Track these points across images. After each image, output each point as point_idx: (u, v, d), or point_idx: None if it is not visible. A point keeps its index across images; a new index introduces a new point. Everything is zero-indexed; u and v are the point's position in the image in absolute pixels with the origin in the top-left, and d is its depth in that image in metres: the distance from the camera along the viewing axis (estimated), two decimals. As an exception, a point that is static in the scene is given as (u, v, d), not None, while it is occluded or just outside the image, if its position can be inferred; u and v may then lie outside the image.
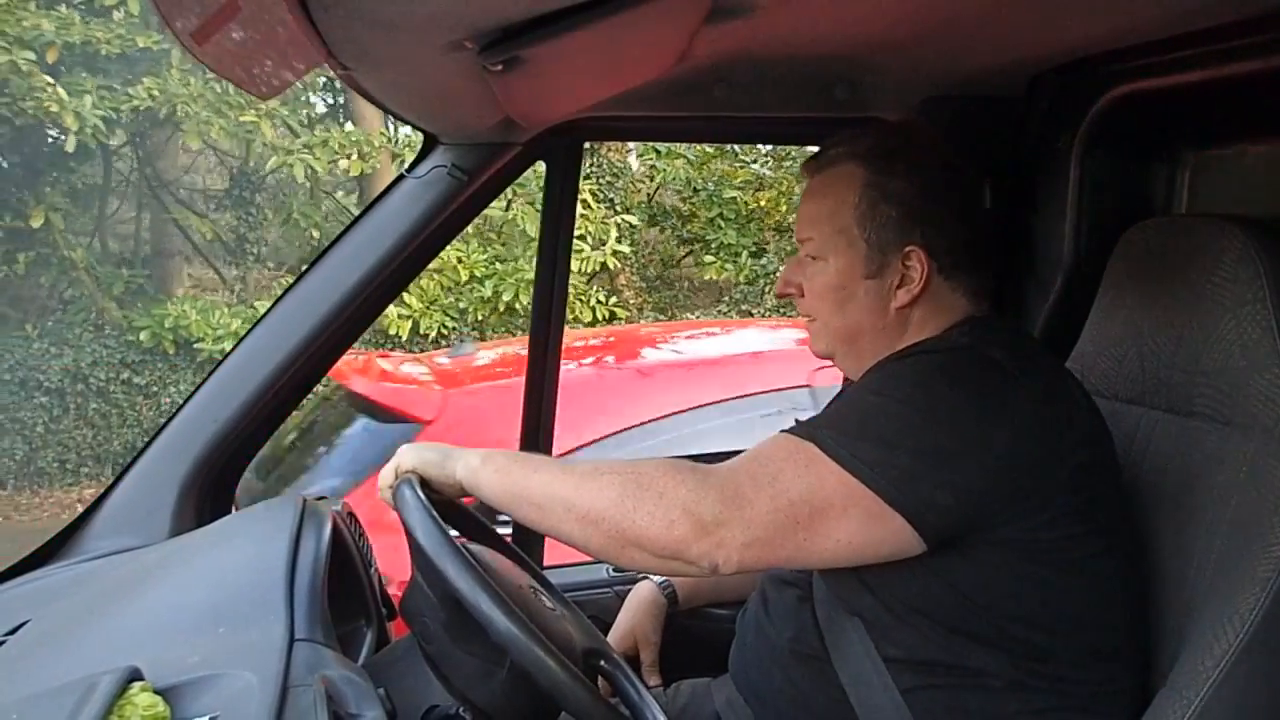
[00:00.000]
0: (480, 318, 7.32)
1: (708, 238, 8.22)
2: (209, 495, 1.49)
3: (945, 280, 1.10)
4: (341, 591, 1.16)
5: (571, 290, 7.43)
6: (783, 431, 1.01)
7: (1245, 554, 0.95)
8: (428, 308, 7.20)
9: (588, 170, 7.94)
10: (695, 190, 8.30)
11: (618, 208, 7.90)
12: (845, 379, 1.30)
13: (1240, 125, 1.35)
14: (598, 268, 7.53)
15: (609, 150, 8.02)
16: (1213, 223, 1.08)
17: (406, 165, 1.53)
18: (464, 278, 7.30)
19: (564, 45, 0.89)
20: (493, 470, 1.03)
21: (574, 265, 7.25)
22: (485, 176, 1.53)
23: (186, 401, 1.50)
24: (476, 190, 1.54)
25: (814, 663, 1.13)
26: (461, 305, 7.40)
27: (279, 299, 1.52)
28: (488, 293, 7.21)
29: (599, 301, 7.61)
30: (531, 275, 7.24)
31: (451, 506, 1.17)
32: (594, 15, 0.83)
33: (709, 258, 8.13)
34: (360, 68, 1.00)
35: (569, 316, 7.56)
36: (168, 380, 7.20)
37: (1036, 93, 1.41)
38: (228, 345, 6.60)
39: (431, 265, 7.12)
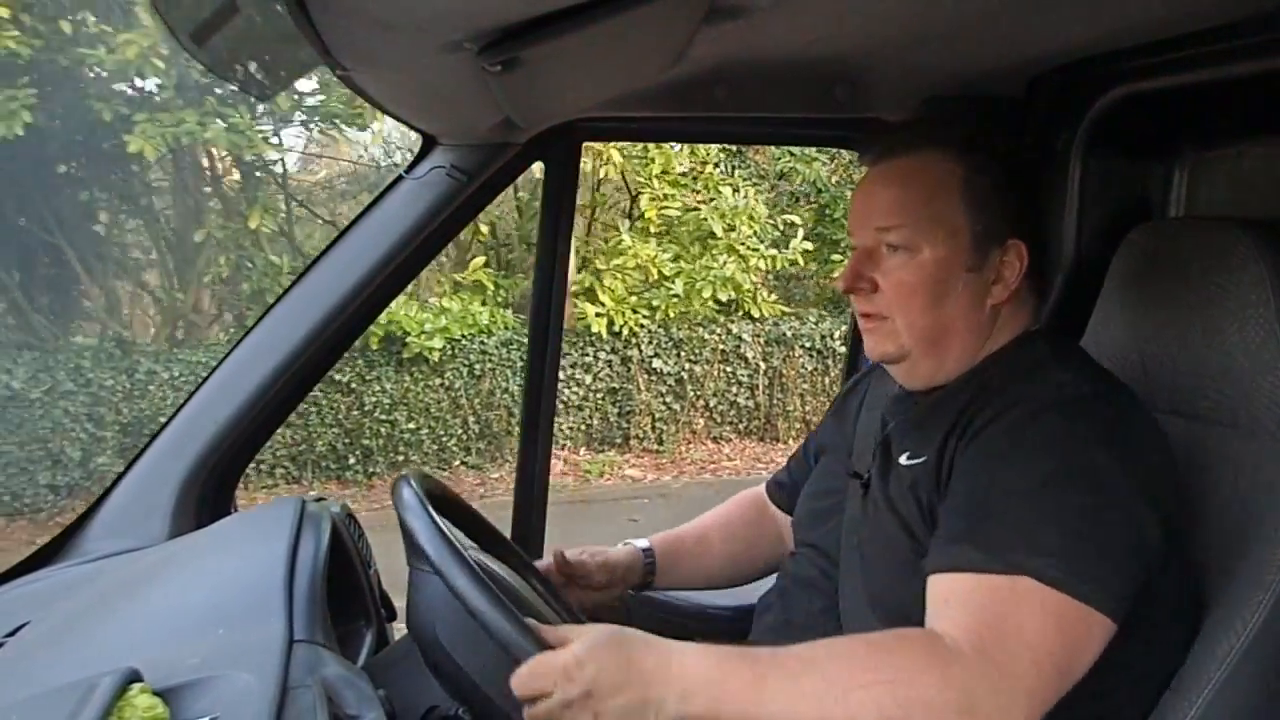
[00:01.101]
0: (672, 315, 7.46)
1: (835, 238, 8.23)
2: (208, 497, 1.49)
3: (1028, 280, 1.06)
4: (341, 592, 1.16)
5: (748, 289, 7.53)
6: (965, 572, 0.89)
7: (1248, 557, 0.95)
8: (618, 305, 7.27)
9: (746, 174, 8.03)
10: (819, 190, 8.33)
11: (768, 208, 7.96)
12: (886, 386, 1.20)
13: (1240, 126, 1.35)
14: (786, 265, 7.66)
15: (755, 154, 8.11)
16: (1216, 225, 1.07)
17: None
18: (654, 275, 7.45)
19: (563, 46, 0.88)
20: (703, 706, 0.84)
21: (763, 265, 7.50)
22: (484, 177, 1.53)
23: (185, 403, 1.50)
24: (475, 191, 1.53)
25: None
26: (654, 303, 7.50)
27: (279, 299, 1.52)
28: (679, 289, 7.35)
29: (764, 299, 7.74)
30: (725, 273, 7.27)
31: (458, 507, 1.16)
32: (592, 16, 0.82)
33: (836, 256, 8.14)
34: (358, 68, 1.00)
35: (740, 313, 7.68)
36: (367, 377, 6.77)
37: (1036, 93, 1.40)
38: (436, 342, 6.64)
39: (626, 265, 7.33)
